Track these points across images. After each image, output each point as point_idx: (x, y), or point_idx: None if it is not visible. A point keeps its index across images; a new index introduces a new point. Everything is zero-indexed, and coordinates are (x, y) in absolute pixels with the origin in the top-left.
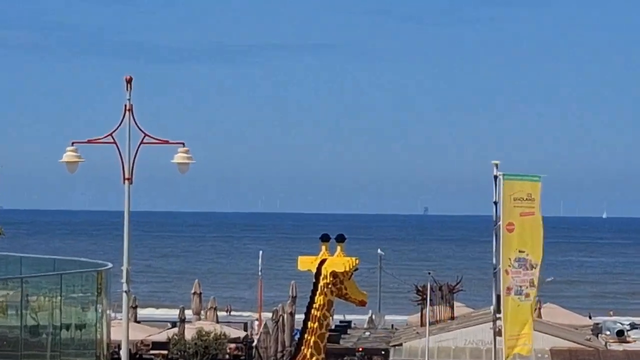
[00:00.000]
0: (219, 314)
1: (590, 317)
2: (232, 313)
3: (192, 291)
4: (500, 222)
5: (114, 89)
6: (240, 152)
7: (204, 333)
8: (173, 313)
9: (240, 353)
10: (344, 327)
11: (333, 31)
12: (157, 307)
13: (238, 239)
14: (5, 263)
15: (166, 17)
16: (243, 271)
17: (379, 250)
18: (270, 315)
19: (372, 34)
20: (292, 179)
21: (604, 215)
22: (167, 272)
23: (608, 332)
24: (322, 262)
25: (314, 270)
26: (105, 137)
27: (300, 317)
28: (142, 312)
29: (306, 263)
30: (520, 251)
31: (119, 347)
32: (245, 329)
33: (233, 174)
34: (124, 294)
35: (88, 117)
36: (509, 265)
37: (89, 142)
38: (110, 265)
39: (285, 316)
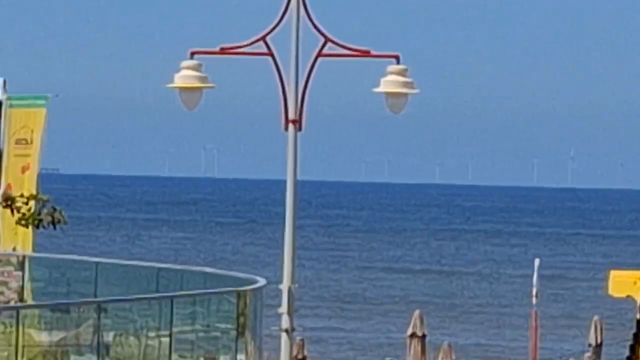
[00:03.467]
0: None
1: None
2: None
3: (409, 331)
4: None
5: None
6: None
7: None
8: None
9: None
10: None
11: None
12: None
13: (490, 235)
14: (66, 274)
15: None
16: (497, 296)
17: None
18: None
19: None
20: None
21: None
22: (345, 294)
23: None
24: None
25: None
26: (253, 42)
27: None
28: None
29: (625, 284)
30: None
31: None
32: None
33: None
34: (283, 335)
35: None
36: None
37: (222, 52)
38: (262, 281)
39: None
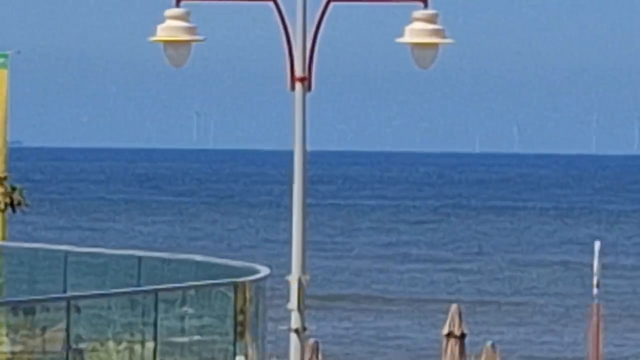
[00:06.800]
0: None
1: None
2: None
3: (445, 330)
4: None
5: None
6: None
7: None
8: None
9: None
10: None
11: None
12: None
13: (543, 213)
14: (28, 266)
15: None
16: (550, 286)
17: None
18: None
19: None
20: None
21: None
22: (364, 287)
23: None
24: None
25: None
26: None
27: None
28: None
29: None
30: None
31: None
32: None
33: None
34: (293, 335)
35: None
36: None
37: None
38: (265, 271)
39: None
